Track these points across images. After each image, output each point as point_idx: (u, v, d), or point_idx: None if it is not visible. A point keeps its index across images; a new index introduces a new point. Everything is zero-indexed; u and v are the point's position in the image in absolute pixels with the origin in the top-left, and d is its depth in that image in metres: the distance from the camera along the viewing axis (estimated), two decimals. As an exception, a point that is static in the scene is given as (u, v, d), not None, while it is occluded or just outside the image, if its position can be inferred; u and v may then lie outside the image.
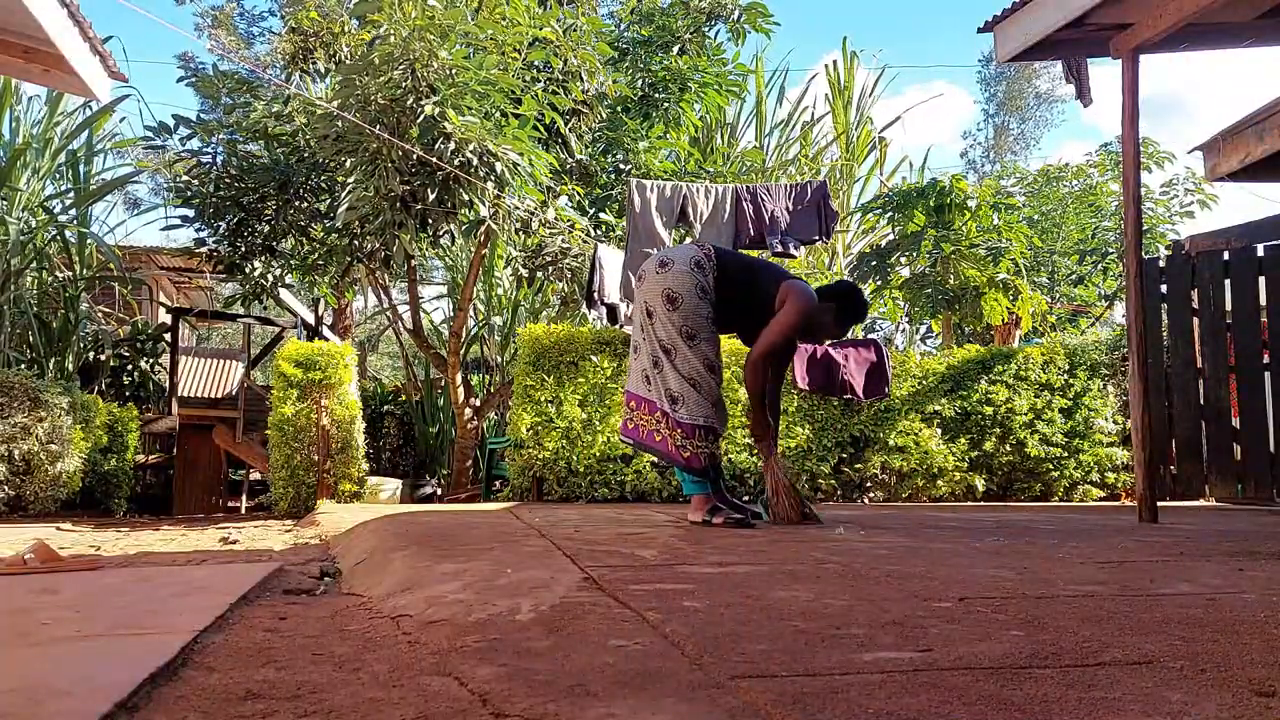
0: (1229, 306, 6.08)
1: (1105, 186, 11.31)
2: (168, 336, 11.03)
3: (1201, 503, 6.17)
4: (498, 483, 8.27)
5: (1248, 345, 5.98)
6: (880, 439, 6.55)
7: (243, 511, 10.15)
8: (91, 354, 10.30)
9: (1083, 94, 5.02)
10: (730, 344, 6.58)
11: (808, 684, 1.29)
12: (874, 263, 8.91)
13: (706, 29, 8.47)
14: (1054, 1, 4.40)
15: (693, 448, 3.65)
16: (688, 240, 6.82)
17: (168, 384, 10.90)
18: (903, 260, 8.85)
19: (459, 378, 8.12)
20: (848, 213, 11.97)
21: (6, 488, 6.23)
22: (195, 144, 7.50)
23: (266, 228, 7.52)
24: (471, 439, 8.40)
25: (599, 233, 7.63)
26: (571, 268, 7.33)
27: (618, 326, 6.37)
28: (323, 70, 7.51)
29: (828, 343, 6.78)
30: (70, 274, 9.75)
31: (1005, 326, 8.82)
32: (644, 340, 3.74)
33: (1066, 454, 6.71)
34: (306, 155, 7.31)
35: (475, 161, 5.86)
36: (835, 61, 12.46)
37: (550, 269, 7.37)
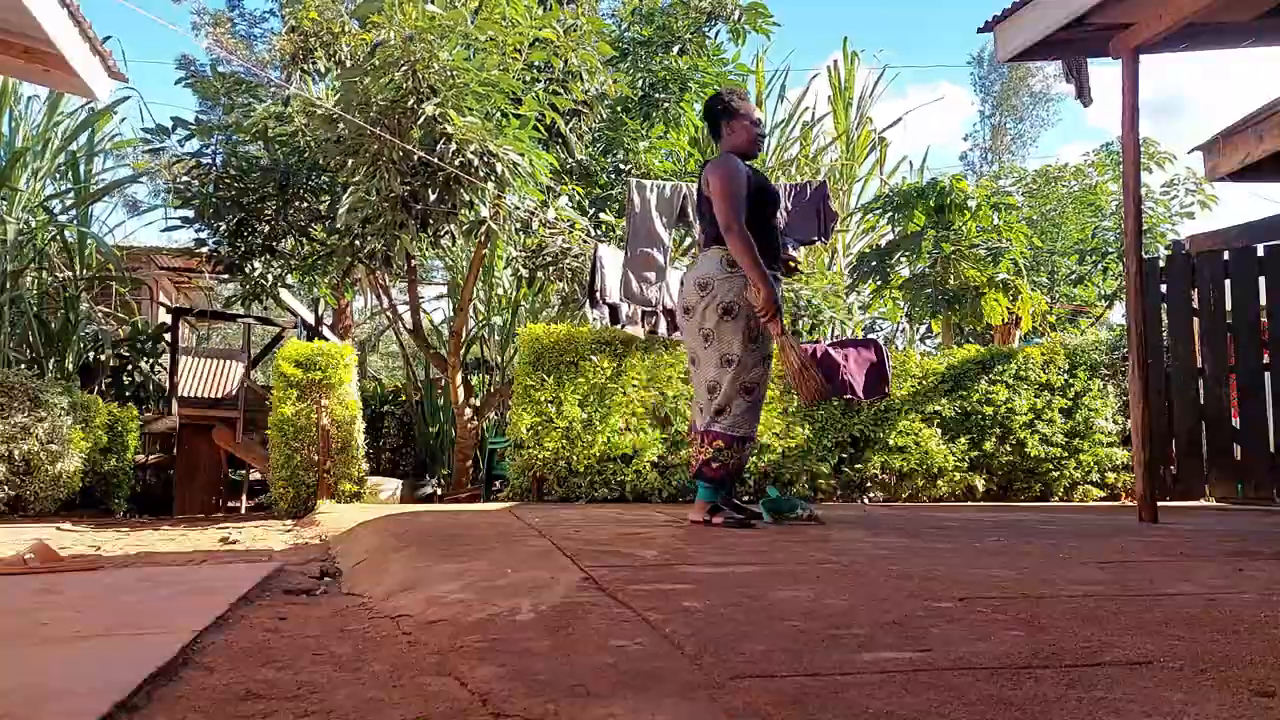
0: (1229, 307, 6.08)
1: (1105, 186, 11.30)
2: (168, 336, 11.03)
3: (1201, 503, 6.17)
4: (498, 483, 8.27)
5: (1248, 345, 5.98)
6: (880, 439, 6.54)
7: (243, 511, 10.15)
8: (91, 354, 10.29)
9: (1083, 94, 5.02)
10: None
11: (808, 684, 1.29)
12: (874, 263, 8.91)
13: (707, 29, 8.47)
14: (1054, 1, 4.40)
15: (725, 458, 3.61)
16: (688, 241, 6.82)
17: (168, 384, 10.90)
18: (903, 260, 8.85)
19: (459, 378, 8.12)
20: (847, 213, 11.97)
21: (6, 488, 6.22)
22: (195, 145, 7.50)
23: (266, 228, 7.52)
24: (471, 439, 8.40)
25: (599, 233, 7.63)
26: (572, 268, 7.33)
27: (619, 326, 6.37)
28: (323, 70, 7.51)
29: (827, 343, 6.79)
30: (70, 274, 9.75)
31: (1005, 326, 8.81)
32: (698, 373, 3.69)
33: (1066, 454, 6.71)
34: (306, 156, 7.31)
35: (476, 162, 5.86)
36: (836, 62, 12.46)
37: (550, 269, 7.37)
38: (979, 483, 6.63)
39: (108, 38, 5.11)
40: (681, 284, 3.77)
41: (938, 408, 6.64)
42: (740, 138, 3.73)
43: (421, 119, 5.72)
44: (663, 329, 6.42)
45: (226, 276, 8.85)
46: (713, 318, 3.57)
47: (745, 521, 3.60)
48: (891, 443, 6.54)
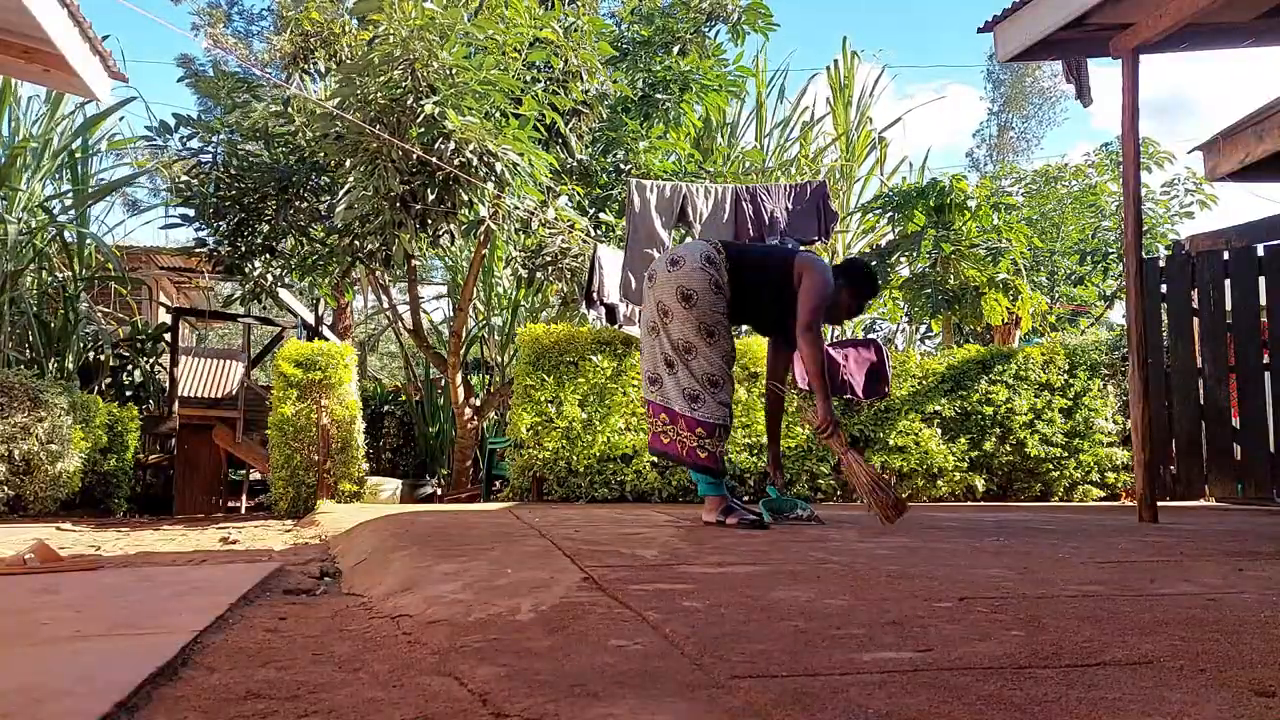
0: (1229, 306, 6.08)
1: (1105, 186, 11.31)
2: (168, 336, 11.03)
3: (1201, 503, 6.17)
4: (498, 483, 8.27)
5: (1247, 345, 5.98)
6: (880, 439, 6.54)
7: (243, 511, 10.15)
8: (91, 354, 10.30)
9: (1082, 94, 5.02)
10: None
11: (808, 684, 1.29)
12: (874, 263, 8.90)
13: (706, 29, 8.47)
14: (1054, 1, 4.40)
15: (711, 447, 3.64)
16: (688, 239, 6.81)
17: (168, 384, 10.90)
18: (903, 260, 8.84)
19: (459, 378, 8.12)
20: (847, 213, 11.96)
21: (6, 488, 6.22)
22: (195, 144, 7.50)
23: (266, 227, 7.52)
24: (471, 439, 8.40)
25: (599, 233, 7.62)
26: (571, 268, 7.32)
27: (616, 326, 6.36)
28: (323, 70, 7.51)
29: (827, 343, 6.79)
30: (70, 274, 9.75)
31: (1005, 326, 8.81)
32: (656, 341, 3.72)
33: (1066, 454, 6.71)
34: (306, 155, 7.31)
35: (475, 161, 5.86)
36: (837, 61, 12.45)
37: (550, 269, 7.37)
38: (979, 483, 6.63)
39: (106, 36, 5.10)
40: (677, 263, 3.70)
41: (938, 408, 6.64)
42: (839, 302, 3.87)
43: (420, 118, 5.71)
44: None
45: (226, 276, 8.85)
46: (674, 300, 3.66)
47: (760, 523, 3.58)
48: (891, 443, 6.54)
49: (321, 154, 6.48)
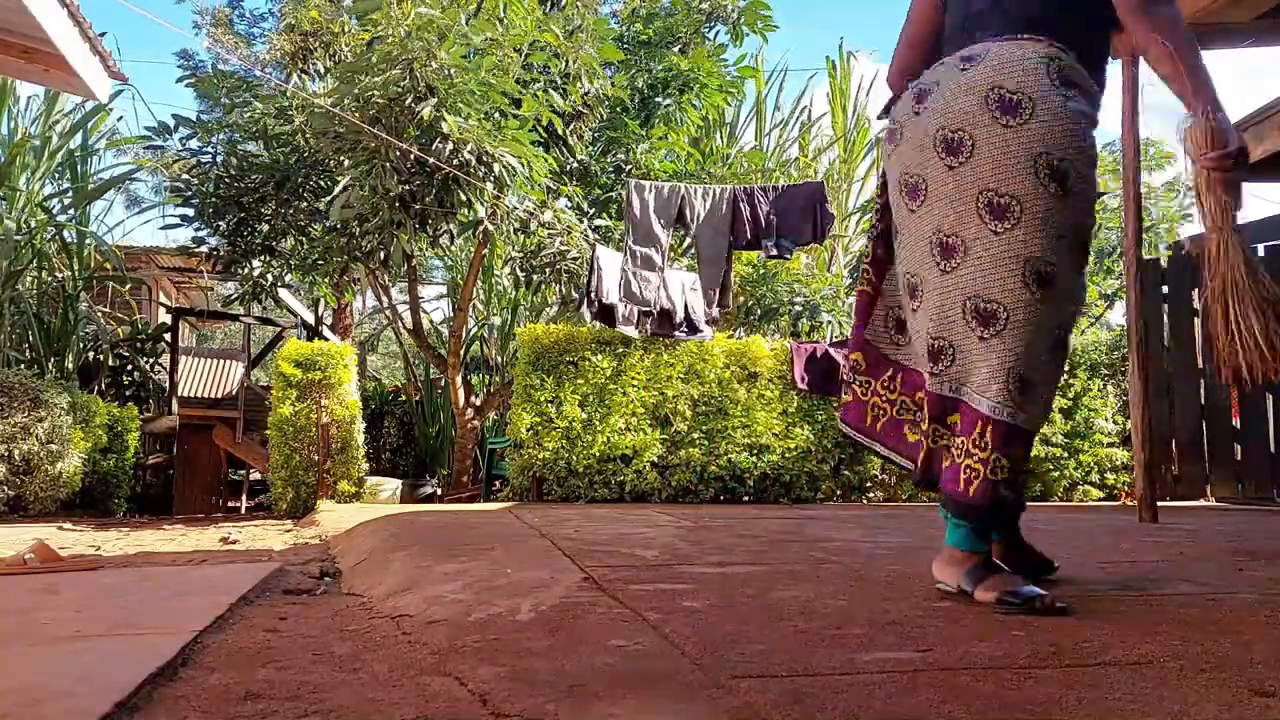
0: (1229, 306, 6.07)
1: (1105, 186, 11.29)
2: (168, 336, 11.04)
3: (1202, 503, 6.17)
4: (498, 483, 8.28)
5: (1247, 345, 5.97)
6: (880, 439, 6.53)
7: (243, 511, 10.15)
8: (91, 354, 10.30)
9: (1083, 94, 5.01)
10: (729, 344, 6.57)
11: (808, 684, 1.29)
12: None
13: (706, 30, 8.46)
14: (1054, 1, 4.39)
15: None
16: (686, 242, 6.82)
17: (168, 384, 10.90)
18: (902, 260, 8.83)
19: (459, 378, 8.12)
20: (847, 213, 11.96)
21: (6, 488, 6.22)
22: (194, 144, 7.50)
23: (266, 227, 7.52)
24: (471, 439, 8.40)
25: (597, 235, 7.62)
26: (570, 269, 7.32)
27: (615, 328, 6.36)
28: (322, 70, 7.51)
29: (827, 343, 6.79)
30: (70, 274, 9.75)
31: (1005, 326, 8.79)
32: None
33: (1066, 454, 6.70)
34: (306, 155, 7.31)
35: (473, 162, 5.86)
36: (834, 62, 12.44)
37: (548, 270, 7.36)
38: (979, 483, 6.61)
39: (103, 34, 5.10)
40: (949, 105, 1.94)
41: (938, 408, 6.62)
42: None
43: (419, 118, 5.71)
44: (657, 329, 6.41)
45: (225, 276, 8.85)
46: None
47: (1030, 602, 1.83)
48: (891, 443, 6.52)
49: (320, 152, 6.49)
